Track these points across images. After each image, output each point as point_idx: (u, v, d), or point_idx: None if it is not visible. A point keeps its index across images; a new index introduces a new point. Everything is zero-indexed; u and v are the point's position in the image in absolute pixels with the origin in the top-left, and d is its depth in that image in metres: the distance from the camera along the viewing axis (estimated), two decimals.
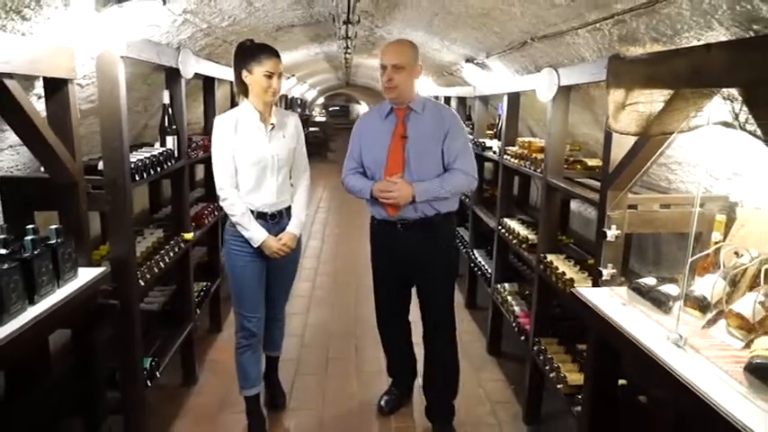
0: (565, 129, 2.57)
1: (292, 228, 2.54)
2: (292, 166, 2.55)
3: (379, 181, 2.43)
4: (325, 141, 15.63)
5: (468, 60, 3.43)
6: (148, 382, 2.43)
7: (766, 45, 1.14)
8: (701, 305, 1.66)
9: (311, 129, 14.66)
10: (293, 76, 7.65)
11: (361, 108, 26.04)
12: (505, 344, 3.64)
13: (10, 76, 1.61)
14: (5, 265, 1.56)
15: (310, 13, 2.91)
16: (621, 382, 2.10)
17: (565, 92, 2.47)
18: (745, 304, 1.54)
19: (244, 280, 2.52)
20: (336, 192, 10.01)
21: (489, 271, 3.71)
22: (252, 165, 2.39)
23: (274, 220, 2.50)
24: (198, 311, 3.24)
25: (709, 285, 1.67)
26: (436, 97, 5.23)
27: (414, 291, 2.75)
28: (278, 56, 2.36)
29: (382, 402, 2.89)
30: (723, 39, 1.35)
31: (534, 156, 2.88)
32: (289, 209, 2.56)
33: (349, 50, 4.43)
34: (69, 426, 2.26)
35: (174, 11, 2.07)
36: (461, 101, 5.05)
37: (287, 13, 2.79)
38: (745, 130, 1.28)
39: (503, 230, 3.37)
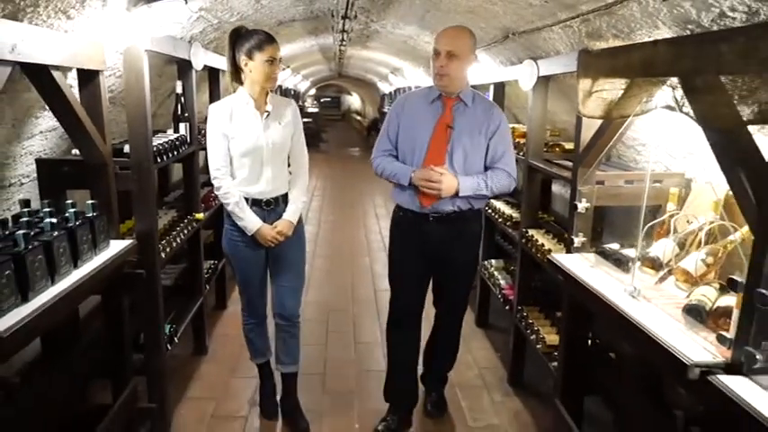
0: (544, 115, 2.83)
1: (288, 215, 2.50)
2: (290, 154, 2.54)
3: (420, 168, 2.33)
4: (317, 132, 15.87)
5: None
6: (168, 346, 2.68)
7: (698, 42, 1.40)
8: (655, 264, 1.94)
9: (304, 120, 14.89)
10: (288, 67, 7.85)
11: (353, 99, 26.15)
12: (492, 317, 3.92)
13: (57, 67, 1.85)
14: (55, 233, 1.81)
15: (311, 9, 3.14)
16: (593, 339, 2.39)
17: (544, 81, 2.73)
18: (690, 262, 1.82)
19: (246, 268, 2.55)
20: (330, 180, 10.28)
21: None
22: (247, 153, 2.37)
23: (270, 207, 2.47)
24: (207, 287, 3.48)
25: (662, 248, 1.95)
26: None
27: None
28: (276, 42, 2.34)
29: (380, 428, 2.67)
30: (667, 36, 1.62)
31: (518, 140, 3.14)
32: (285, 196, 2.53)
33: (344, 43, 4.66)
34: (99, 386, 2.51)
35: (192, 9, 2.30)
36: None
37: (290, 9, 3.02)
38: (683, 112, 1.55)
39: (489, 211, 3.63)
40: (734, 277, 1.34)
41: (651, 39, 1.70)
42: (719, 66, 1.32)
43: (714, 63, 1.33)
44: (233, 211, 2.42)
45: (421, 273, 2.54)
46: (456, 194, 2.30)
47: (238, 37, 2.33)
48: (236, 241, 2.51)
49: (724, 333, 1.38)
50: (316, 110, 19.36)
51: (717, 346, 1.41)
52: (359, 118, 22.85)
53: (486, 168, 2.39)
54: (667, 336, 1.51)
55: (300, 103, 15.34)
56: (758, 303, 1.24)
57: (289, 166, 2.57)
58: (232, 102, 2.39)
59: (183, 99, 2.98)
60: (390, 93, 11.04)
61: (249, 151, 2.37)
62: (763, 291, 1.23)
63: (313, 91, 21.73)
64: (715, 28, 1.41)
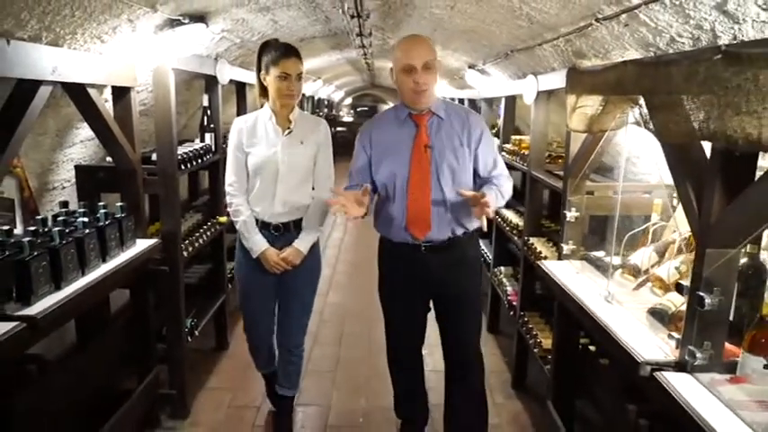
0: (545, 128, 2.95)
1: (298, 242, 2.35)
2: (314, 176, 2.38)
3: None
4: (351, 141, 16.13)
5: (470, 67, 3.83)
6: (189, 338, 2.92)
7: (654, 64, 1.52)
8: (634, 271, 2.04)
9: (338, 129, 15.24)
10: (319, 78, 8.13)
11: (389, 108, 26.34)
12: (503, 323, 4.02)
13: (92, 85, 2.11)
14: (87, 230, 2.06)
15: (328, 28, 3.36)
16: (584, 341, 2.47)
17: (544, 96, 2.85)
18: (664, 269, 1.92)
19: (249, 291, 2.46)
20: None
21: (489, 257, 4.09)
22: (259, 170, 2.28)
23: (278, 232, 2.35)
24: (230, 286, 3.72)
25: (642, 256, 2.05)
26: (451, 99, 5.60)
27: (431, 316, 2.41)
28: (296, 55, 2.21)
29: None
30: (636, 56, 1.74)
31: (523, 152, 3.26)
32: (299, 222, 2.37)
33: (367, 57, 4.87)
34: (126, 372, 2.76)
35: (214, 31, 2.54)
36: (472, 102, 5.44)
37: (308, 28, 3.24)
38: (647, 129, 1.66)
39: (499, 219, 3.75)
40: (681, 281, 1.44)
41: (623, 59, 1.81)
42: (669, 85, 1.44)
43: (666, 83, 1.45)
44: (240, 230, 2.36)
45: (417, 308, 2.31)
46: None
47: (263, 50, 2.27)
48: (242, 262, 2.44)
49: (674, 334, 1.48)
50: (351, 119, 19.70)
51: (671, 347, 1.51)
52: None
53: (477, 180, 2.19)
54: (628, 336, 1.62)
55: (335, 113, 15.70)
56: (697, 305, 1.35)
57: (313, 189, 2.41)
58: (256, 116, 2.35)
59: (209, 111, 3.24)
60: None
61: (261, 168, 2.28)
62: (702, 293, 1.34)
63: (349, 100, 22.09)
64: (670, 51, 1.53)
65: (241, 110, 4.00)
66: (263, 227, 2.35)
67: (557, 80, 2.53)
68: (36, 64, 1.72)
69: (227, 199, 2.40)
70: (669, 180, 2.39)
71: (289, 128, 2.32)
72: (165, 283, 2.65)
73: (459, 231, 2.18)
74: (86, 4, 1.73)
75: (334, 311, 4.38)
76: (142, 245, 2.45)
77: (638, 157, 2.52)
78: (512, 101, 3.69)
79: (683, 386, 1.34)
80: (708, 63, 1.27)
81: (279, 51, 2.22)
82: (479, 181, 2.21)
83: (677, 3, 1.26)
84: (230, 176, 2.37)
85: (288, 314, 2.50)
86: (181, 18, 2.21)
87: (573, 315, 2.24)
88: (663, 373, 1.40)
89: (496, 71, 3.58)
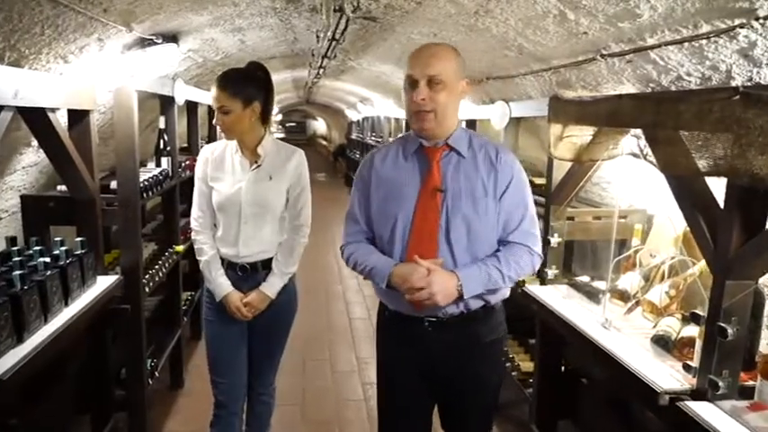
0: (515, 153, 3.00)
1: (265, 286, 2.11)
2: (286, 214, 2.15)
3: (401, 264, 1.60)
4: None
5: None
6: (149, 380, 2.67)
7: (658, 100, 1.58)
8: (624, 296, 2.10)
9: None
10: None
11: (318, 124, 26.32)
12: None
13: (52, 110, 1.89)
14: (48, 272, 1.83)
15: (292, 48, 3.26)
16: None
17: (515, 122, 2.91)
18: (655, 294, 1.98)
19: (211, 336, 2.22)
20: None
21: None
22: (222, 207, 2.08)
23: (245, 273, 2.13)
24: (185, 319, 3.47)
25: (629, 281, 2.12)
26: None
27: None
28: (223, 87, 1.95)
29: None
30: (631, 91, 1.80)
31: None
32: (268, 262, 2.14)
33: (319, 76, 4.79)
34: (78, 422, 2.48)
35: (182, 50, 2.38)
36: None
37: (272, 48, 3.13)
38: (647, 160, 1.72)
39: None
40: (696, 312, 1.49)
41: (616, 92, 1.87)
42: (677, 122, 1.49)
43: (673, 119, 1.50)
44: (203, 269, 2.15)
45: (419, 400, 1.78)
46: (460, 298, 1.56)
47: None
48: (208, 306, 2.21)
49: (689, 362, 1.52)
50: (282, 135, 19.41)
51: (683, 374, 1.55)
52: (324, 143, 23.00)
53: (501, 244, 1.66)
54: (638, 364, 1.65)
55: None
56: (719, 336, 1.39)
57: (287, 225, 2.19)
58: (224, 146, 2.12)
59: (165, 134, 3.02)
60: (358, 120, 11.23)
61: (224, 205, 2.07)
62: (723, 324, 1.38)
63: (279, 117, 21.80)
64: (673, 88, 1.59)
65: (192, 128, 3.79)
66: (230, 267, 2.14)
67: (532, 108, 2.59)
68: None
69: (192, 235, 2.20)
70: (641, 204, 2.53)
71: (257, 161, 2.07)
72: (126, 323, 2.42)
73: (476, 305, 1.63)
74: (59, 22, 1.55)
75: (292, 338, 4.21)
76: (103, 282, 2.23)
77: (609, 182, 2.61)
78: (472, 126, 3.74)
79: (709, 415, 1.37)
80: (723, 102, 1.33)
81: (218, 78, 1.99)
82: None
83: (696, 45, 1.31)
84: (195, 211, 2.16)
85: (257, 354, 2.28)
86: (153, 38, 2.05)
87: (559, 339, 2.27)
88: (686, 402, 1.43)
89: None
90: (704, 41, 1.29)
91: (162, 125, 3.00)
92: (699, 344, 1.53)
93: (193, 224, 2.17)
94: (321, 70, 4.13)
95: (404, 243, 1.63)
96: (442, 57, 1.57)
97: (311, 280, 5.76)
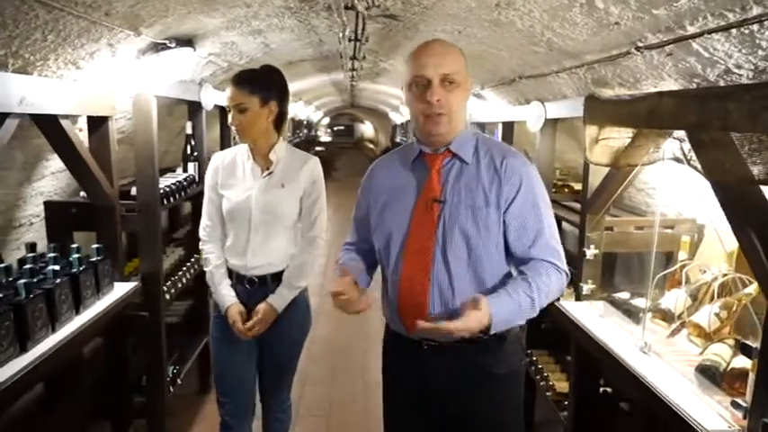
0: (552, 156, 2.81)
1: (273, 298, 1.98)
2: (300, 225, 2.05)
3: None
4: (329, 161, 16.03)
5: None
6: (171, 387, 2.65)
7: (703, 96, 1.38)
8: (667, 316, 1.89)
9: (317, 149, 15.09)
10: (300, 99, 7.96)
11: (366, 127, 26.45)
12: None
13: (65, 116, 1.88)
14: (58, 280, 1.81)
15: (320, 51, 3.19)
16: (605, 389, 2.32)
17: (551, 123, 2.72)
18: (703, 315, 1.76)
19: (217, 352, 2.12)
20: (341, 211, 10.31)
21: None
22: (231, 216, 1.99)
23: (253, 286, 2.00)
24: None
25: (674, 299, 1.90)
26: None
27: None
28: (239, 84, 1.87)
29: None
30: (673, 87, 1.60)
31: None
32: (279, 275, 2.01)
33: (355, 79, 4.72)
34: (99, 428, 2.48)
35: (200, 55, 2.34)
36: None
37: (299, 51, 3.07)
38: (691, 166, 1.52)
39: None
40: (747, 342, 1.28)
41: (657, 89, 1.68)
42: (725, 122, 1.29)
43: (720, 119, 1.31)
44: (208, 280, 2.06)
45: (420, 420, 1.58)
46: (486, 331, 1.34)
47: None
48: (214, 319, 2.11)
49: (739, 400, 1.32)
50: (329, 138, 19.56)
51: (732, 413, 1.35)
52: (371, 146, 23.05)
53: (512, 260, 1.48)
54: (679, 398, 1.45)
55: (314, 133, 15.56)
56: None
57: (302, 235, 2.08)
58: (235, 152, 2.05)
59: (192, 140, 3.01)
60: (402, 123, 11.13)
61: (234, 215, 1.98)
62: None
63: (327, 120, 22.02)
64: (721, 83, 1.39)
65: (224, 135, 3.78)
66: (238, 280, 2.02)
67: (568, 108, 2.40)
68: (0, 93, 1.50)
69: (200, 245, 2.10)
70: (690, 213, 2.29)
71: (269, 168, 1.98)
72: (145, 330, 2.40)
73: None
74: (60, 27, 1.52)
75: (323, 346, 4.14)
76: (120, 289, 2.21)
77: (655, 188, 2.39)
78: (510, 127, 3.56)
79: None
80: None
81: (232, 78, 1.92)
82: (515, 262, 1.48)
83: (746, 32, 1.12)
84: (204, 220, 2.09)
85: (268, 372, 2.16)
86: (166, 42, 2.01)
87: (596, 362, 2.08)
88: None
89: (494, 96, 3.45)
90: (755, 27, 1.10)
91: (189, 131, 2.99)
92: (752, 378, 1.32)
93: (201, 234, 2.10)
94: (354, 72, 4.05)
95: (399, 257, 1.48)
96: (453, 53, 1.43)
97: None
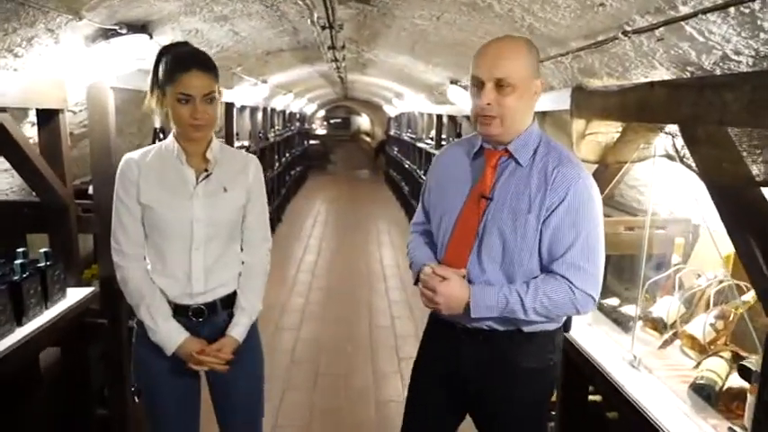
0: None
1: (234, 331, 1.62)
2: (243, 236, 1.69)
3: (433, 265, 1.50)
4: (325, 154, 15.87)
5: (452, 82, 3.54)
6: (135, 398, 2.50)
7: (698, 87, 1.23)
8: (658, 326, 1.74)
9: (312, 142, 14.90)
10: (290, 92, 7.78)
11: (362, 120, 26.26)
12: None
13: (3, 109, 1.72)
14: None
15: (297, 40, 3.03)
16: (594, 398, 2.19)
17: (539, 116, 2.56)
18: (697, 326, 1.62)
19: (157, 401, 1.70)
20: (333, 204, 10.15)
21: None
22: (165, 232, 1.57)
23: (201, 317, 1.61)
24: None
25: (667, 306, 1.76)
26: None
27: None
28: (203, 66, 1.49)
29: None
30: (666, 77, 1.44)
31: None
32: (229, 299, 1.65)
33: (340, 70, 4.55)
34: None
35: (160, 43, 2.18)
36: (452, 119, 5.16)
37: (274, 40, 2.91)
38: (683, 163, 1.37)
39: None
40: (746, 365, 1.14)
41: (648, 79, 1.52)
42: (722, 116, 1.14)
43: (716, 112, 1.16)
44: (143, 319, 1.58)
45: (444, 414, 1.63)
46: (466, 311, 1.42)
47: (159, 58, 1.53)
48: (144, 364, 1.66)
49: (735, 427, 1.18)
50: (324, 131, 19.35)
51: None
52: (368, 139, 22.89)
53: (541, 268, 1.44)
54: (671, 421, 1.32)
55: (307, 126, 15.37)
56: None
57: (242, 250, 1.71)
58: (156, 152, 1.60)
59: (162, 134, 2.86)
60: (397, 116, 10.96)
61: (167, 231, 1.56)
62: None
63: (322, 113, 21.84)
64: (718, 72, 1.24)
65: None
66: (178, 312, 1.59)
67: (554, 100, 2.24)
68: None
69: (117, 271, 1.61)
70: (684, 213, 2.14)
71: (206, 170, 1.58)
72: (106, 338, 2.26)
73: (501, 327, 1.45)
74: None
75: (307, 348, 4.00)
76: (74, 296, 2.06)
77: (647, 184, 2.24)
78: None
79: None
80: None
81: (179, 59, 1.48)
82: (541, 269, 1.45)
83: (746, 11, 0.97)
84: (118, 236, 1.59)
85: (232, 420, 1.76)
86: (116, 28, 1.84)
87: (585, 375, 1.94)
88: None
89: None
90: (756, 5, 0.95)
91: (157, 124, 2.83)
92: (750, 400, 1.18)
93: (115, 256, 1.60)
94: (337, 63, 3.89)
95: (443, 244, 1.53)
96: (512, 55, 1.38)
97: (332, 284, 5.56)
